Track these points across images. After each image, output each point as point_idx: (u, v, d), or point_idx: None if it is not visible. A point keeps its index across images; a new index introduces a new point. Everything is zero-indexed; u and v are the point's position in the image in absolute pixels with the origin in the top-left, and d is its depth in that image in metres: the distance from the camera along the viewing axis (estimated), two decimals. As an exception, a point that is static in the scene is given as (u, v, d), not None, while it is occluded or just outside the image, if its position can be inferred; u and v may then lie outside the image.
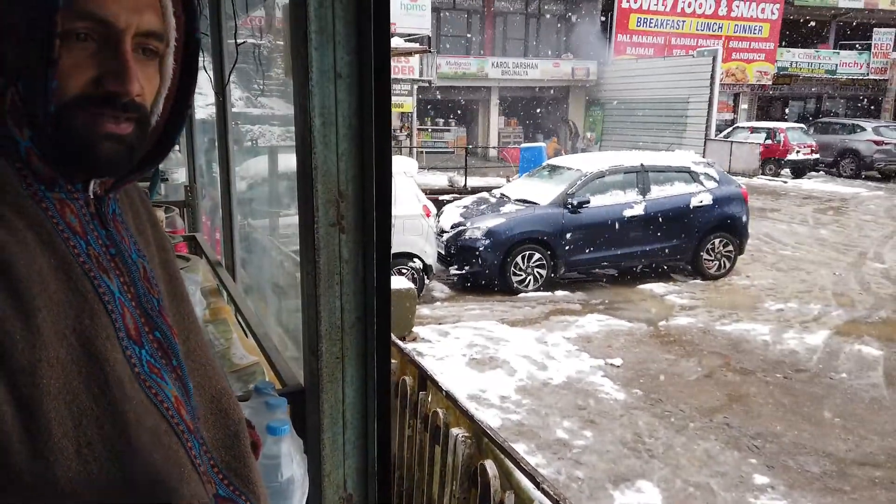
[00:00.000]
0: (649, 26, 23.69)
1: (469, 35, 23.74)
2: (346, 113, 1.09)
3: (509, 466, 2.00)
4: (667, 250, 9.01)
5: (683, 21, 24.01)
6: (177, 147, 2.86)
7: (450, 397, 2.36)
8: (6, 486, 0.61)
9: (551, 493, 1.75)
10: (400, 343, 2.86)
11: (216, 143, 2.18)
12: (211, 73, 2.18)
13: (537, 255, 8.41)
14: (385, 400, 1.21)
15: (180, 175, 2.74)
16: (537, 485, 1.81)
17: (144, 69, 0.74)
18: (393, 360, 2.85)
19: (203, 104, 3.10)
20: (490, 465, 2.03)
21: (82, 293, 0.69)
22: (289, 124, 1.38)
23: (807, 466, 4.47)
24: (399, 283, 6.51)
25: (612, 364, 6.17)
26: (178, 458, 0.72)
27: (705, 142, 20.04)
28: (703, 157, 18.62)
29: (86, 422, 0.65)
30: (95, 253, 0.74)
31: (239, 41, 2.01)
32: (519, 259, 8.35)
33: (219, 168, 2.21)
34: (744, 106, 26.30)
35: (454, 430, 2.25)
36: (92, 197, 0.76)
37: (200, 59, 0.84)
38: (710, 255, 9.17)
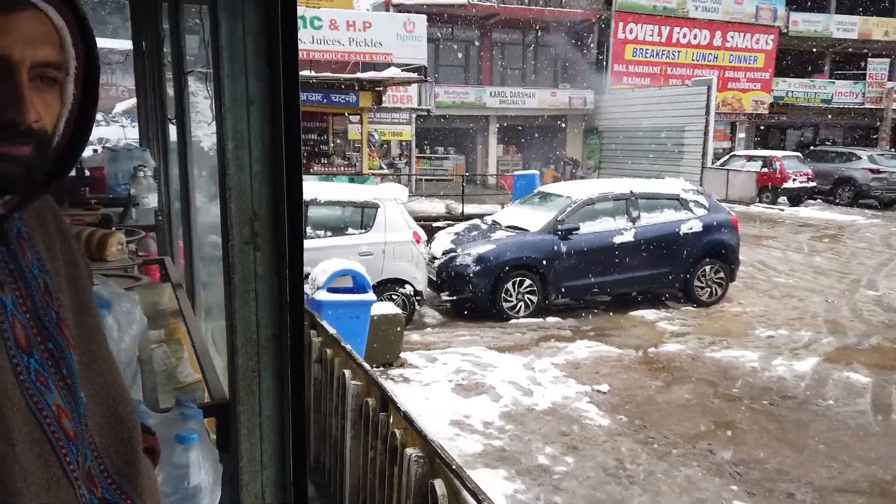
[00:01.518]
0: (645, 56, 24.01)
1: (467, 65, 24.07)
2: (258, 136, 1.15)
3: (457, 486, 2.03)
4: (658, 277, 9.04)
5: (679, 51, 24.34)
6: (148, 172, 2.93)
7: (407, 418, 2.39)
8: None
9: (491, 510, 1.78)
10: (365, 365, 2.90)
11: (170, 171, 2.25)
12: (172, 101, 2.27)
13: (528, 282, 8.45)
14: (301, 414, 1.25)
15: (151, 200, 2.81)
16: (479, 501, 1.84)
17: (43, 96, 0.79)
18: (358, 382, 2.88)
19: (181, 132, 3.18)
20: (439, 485, 2.06)
21: None
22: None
23: (789, 493, 4.45)
24: (386, 308, 6.54)
25: (598, 390, 6.17)
26: (48, 464, 0.76)
27: (702, 170, 20.15)
28: (700, 185, 18.77)
29: None
30: None
31: (188, 70, 2.09)
32: (510, 285, 8.39)
33: (180, 194, 2.28)
34: (741, 135, 26.50)
35: (409, 451, 2.28)
36: None
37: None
38: (702, 282, 9.19)
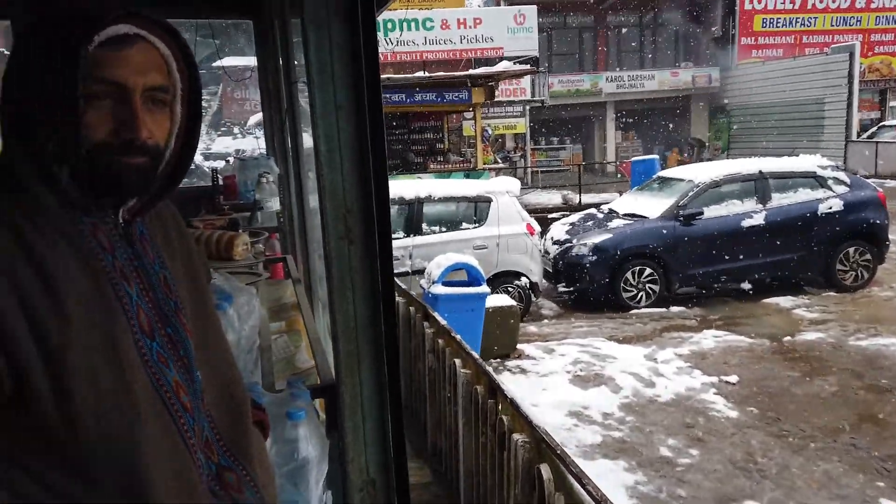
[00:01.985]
0: (776, 26, 22.35)
1: (581, 52, 23.57)
2: (346, 139, 1.25)
3: (563, 471, 2.06)
4: (793, 261, 8.44)
5: (815, 17, 22.42)
6: (271, 178, 3.19)
7: (513, 405, 2.44)
8: (46, 442, 0.82)
9: (594, 493, 1.79)
10: (474, 354, 2.98)
11: (292, 176, 2.44)
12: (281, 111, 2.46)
13: (648, 271, 8.20)
14: (397, 394, 1.34)
15: (274, 204, 3.05)
16: (583, 486, 1.86)
17: (154, 116, 0.93)
18: (467, 371, 2.98)
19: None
20: (545, 469, 2.10)
21: (106, 295, 0.89)
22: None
23: (947, 494, 4.04)
24: (501, 300, 6.61)
25: (726, 381, 5.88)
26: (169, 432, 0.90)
27: (846, 144, 18.50)
28: (845, 160, 17.24)
29: (104, 395, 0.85)
30: (120, 265, 0.93)
31: (294, 80, 2.27)
32: (629, 275, 8.18)
33: (294, 198, 2.47)
34: (893, 103, 23.97)
35: (516, 436, 2.33)
36: (121, 222, 0.97)
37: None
38: (845, 265, 8.48)
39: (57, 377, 0.82)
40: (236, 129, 24.74)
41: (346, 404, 1.34)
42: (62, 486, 0.83)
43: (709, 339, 7.02)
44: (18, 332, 0.80)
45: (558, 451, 2.07)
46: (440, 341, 3.47)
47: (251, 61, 4.97)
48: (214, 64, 14.88)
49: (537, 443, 2.26)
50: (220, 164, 7.65)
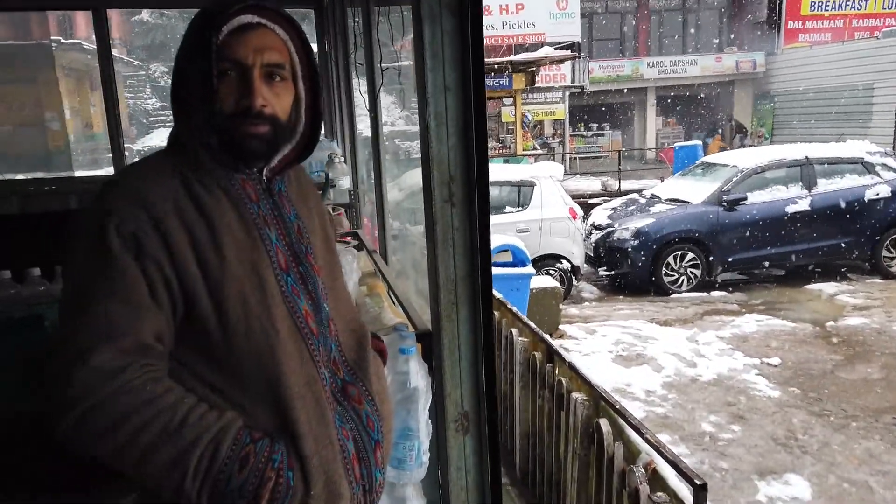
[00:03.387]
0: (825, 10, 21.81)
1: (622, 37, 23.36)
2: (453, 116, 1.46)
3: (621, 424, 2.25)
4: (838, 248, 8.42)
5: (865, 1, 21.81)
6: (342, 157, 3.41)
7: (572, 367, 2.64)
8: (208, 350, 1.06)
9: (652, 440, 1.98)
10: (531, 324, 3.18)
11: (359, 157, 2.65)
12: (366, 95, 2.67)
13: (690, 255, 8.27)
14: (490, 339, 1.55)
15: (345, 182, 3.28)
16: (641, 435, 2.05)
17: (273, 89, 1.14)
18: (524, 339, 3.18)
19: (367, 123, 3.64)
20: (604, 423, 2.29)
21: (253, 238, 1.11)
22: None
23: None
24: (545, 281, 6.78)
25: (768, 363, 5.98)
26: (300, 349, 1.12)
27: None
28: (894, 147, 16.83)
29: (251, 316, 1.07)
30: (263, 213, 1.15)
31: (384, 66, 2.47)
32: (671, 259, 8.26)
33: (374, 177, 2.69)
34: (946, 87, 23.19)
35: (574, 395, 2.53)
36: (265, 178, 1.18)
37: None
38: (892, 252, 8.42)
39: (217, 300, 1.05)
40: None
41: (444, 346, 1.56)
42: (219, 384, 1.07)
43: (751, 323, 7.09)
44: (189, 262, 1.03)
45: (617, 407, 2.27)
46: (496, 313, 3.67)
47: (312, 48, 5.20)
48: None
49: (595, 400, 2.45)
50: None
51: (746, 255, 8.33)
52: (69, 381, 0.95)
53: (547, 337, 2.98)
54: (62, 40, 14.51)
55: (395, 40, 2.89)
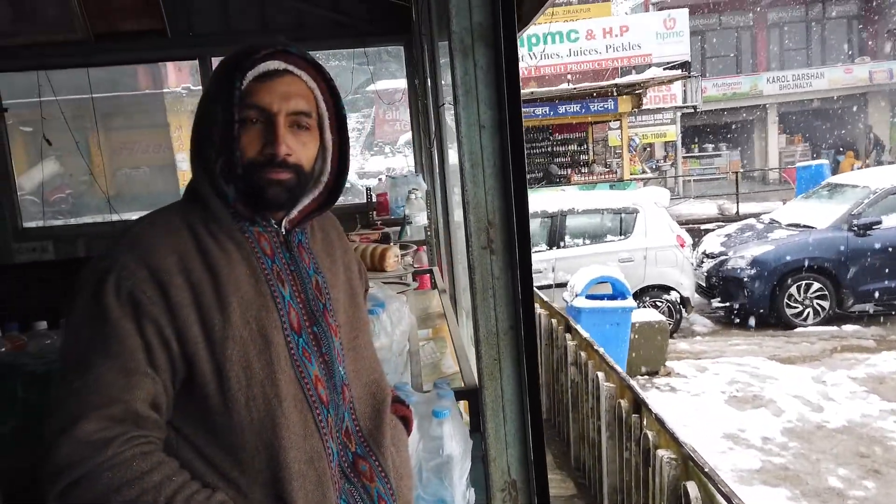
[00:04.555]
0: (974, 9, 19.69)
1: (738, 53, 22.19)
2: (489, 156, 1.33)
3: (711, 490, 1.99)
4: None
5: None
6: (419, 194, 3.36)
7: (658, 420, 2.39)
8: (206, 420, 0.98)
9: (744, 516, 1.72)
10: (617, 368, 2.94)
11: (438, 191, 2.58)
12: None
13: (816, 285, 7.54)
14: (537, 398, 1.39)
15: (421, 218, 3.22)
16: (731, 506, 1.79)
17: (298, 137, 1.07)
18: (611, 385, 2.94)
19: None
20: (692, 487, 2.04)
21: (263, 295, 1.03)
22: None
23: None
24: (648, 315, 6.40)
25: (910, 410, 5.27)
26: (305, 420, 1.02)
27: None
28: None
29: (254, 383, 0.99)
30: (277, 269, 1.07)
31: (441, 102, 2.39)
32: (794, 290, 7.58)
33: (441, 212, 2.60)
34: None
35: (661, 452, 2.28)
36: (283, 231, 1.11)
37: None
38: None
39: (218, 364, 0.97)
40: (387, 149, 25.99)
41: (487, 406, 1.42)
42: (215, 457, 0.98)
43: (889, 362, 6.32)
44: (190, 322, 0.96)
45: (706, 470, 2.01)
46: (583, 354, 3.45)
47: (401, 83, 5.29)
48: (368, 88, 15.74)
49: (684, 460, 2.19)
50: (373, 182, 8.10)
51: (882, 286, 7.48)
52: (56, 450, 0.91)
53: (633, 383, 2.74)
54: (191, 87, 15.82)
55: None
